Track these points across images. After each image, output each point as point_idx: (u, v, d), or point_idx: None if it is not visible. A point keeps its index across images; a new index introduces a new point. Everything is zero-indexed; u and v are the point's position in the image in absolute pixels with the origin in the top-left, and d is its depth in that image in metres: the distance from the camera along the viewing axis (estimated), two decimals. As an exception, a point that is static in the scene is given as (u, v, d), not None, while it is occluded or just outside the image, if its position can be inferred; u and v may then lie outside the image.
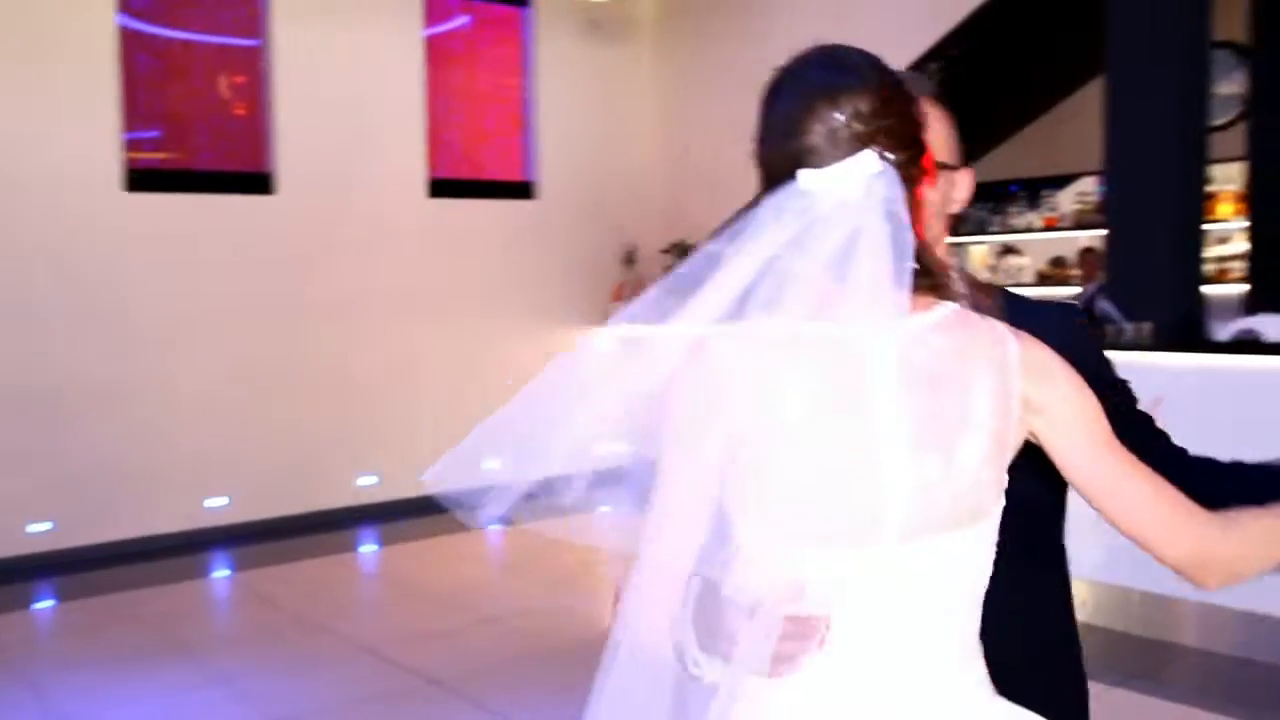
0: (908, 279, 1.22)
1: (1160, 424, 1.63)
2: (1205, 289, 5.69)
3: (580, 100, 8.64)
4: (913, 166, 1.30)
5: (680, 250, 8.54)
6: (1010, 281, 9.21)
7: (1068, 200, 9.01)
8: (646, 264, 8.77)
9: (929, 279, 1.28)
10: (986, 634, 1.35)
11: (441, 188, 7.98)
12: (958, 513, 1.26)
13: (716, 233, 1.30)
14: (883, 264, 1.21)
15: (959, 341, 1.28)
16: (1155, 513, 1.29)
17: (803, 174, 1.27)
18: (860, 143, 1.26)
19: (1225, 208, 7.90)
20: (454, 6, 8.17)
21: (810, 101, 1.29)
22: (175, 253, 6.86)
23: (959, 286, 1.31)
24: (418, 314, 7.79)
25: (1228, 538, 1.30)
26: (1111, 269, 5.23)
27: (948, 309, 1.30)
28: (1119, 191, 4.94)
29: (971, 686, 1.32)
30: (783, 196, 1.27)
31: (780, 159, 1.30)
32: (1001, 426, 1.27)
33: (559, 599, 5.55)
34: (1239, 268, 7.07)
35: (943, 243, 1.60)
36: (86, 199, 6.56)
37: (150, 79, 6.99)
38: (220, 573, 6.46)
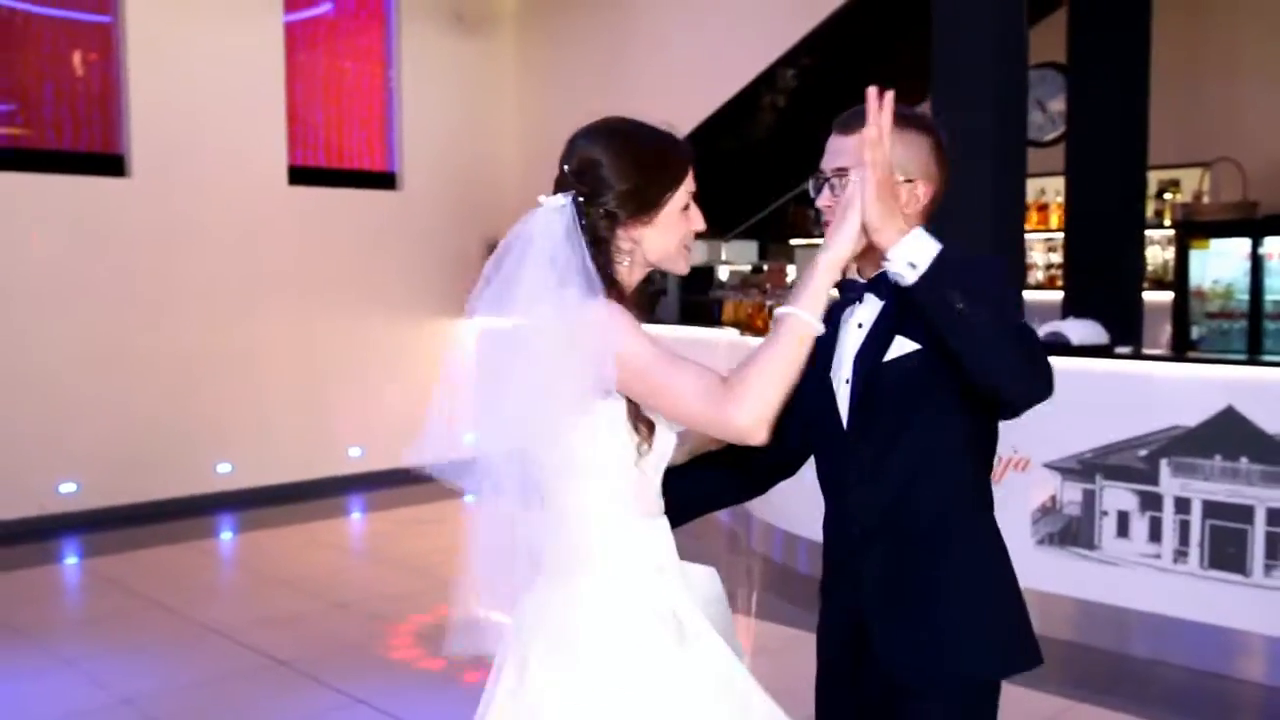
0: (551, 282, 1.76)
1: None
2: (1027, 294, 6.11)
3: (443, 92, 8.72)
4: (598, 212, 1.81)
5: (541, 243, 8.71)
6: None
7: (912, 205, 9.45)
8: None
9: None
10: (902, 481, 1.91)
11: (301, 175, 7.99)
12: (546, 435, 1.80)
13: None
14: (530, 271, 1.77)
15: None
16: (689, 397, 1.72)
17: (541, 196, 1.85)
18: (565, 187, 1.83)
19: (1057, 218, 8.42)
20: (317, -6, 8.17)
21: (565, 147, 1.87)
22: (21, 233, 6.74)
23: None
24: (277, 302, 7.79)
25: (736, 382, 1.69)
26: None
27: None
28: (943, 203, 5.28)
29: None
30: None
31: None
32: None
33: (409, 586, 5.68)
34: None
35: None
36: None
37: (-4, 54, 6.84)
38: (70, 559, 6.40)
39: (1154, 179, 7.67)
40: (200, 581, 5.97)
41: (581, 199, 1.81)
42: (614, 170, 1.81)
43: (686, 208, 1.87)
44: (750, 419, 1.67)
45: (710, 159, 8.41)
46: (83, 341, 6.94)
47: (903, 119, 1.91)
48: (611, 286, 1.80)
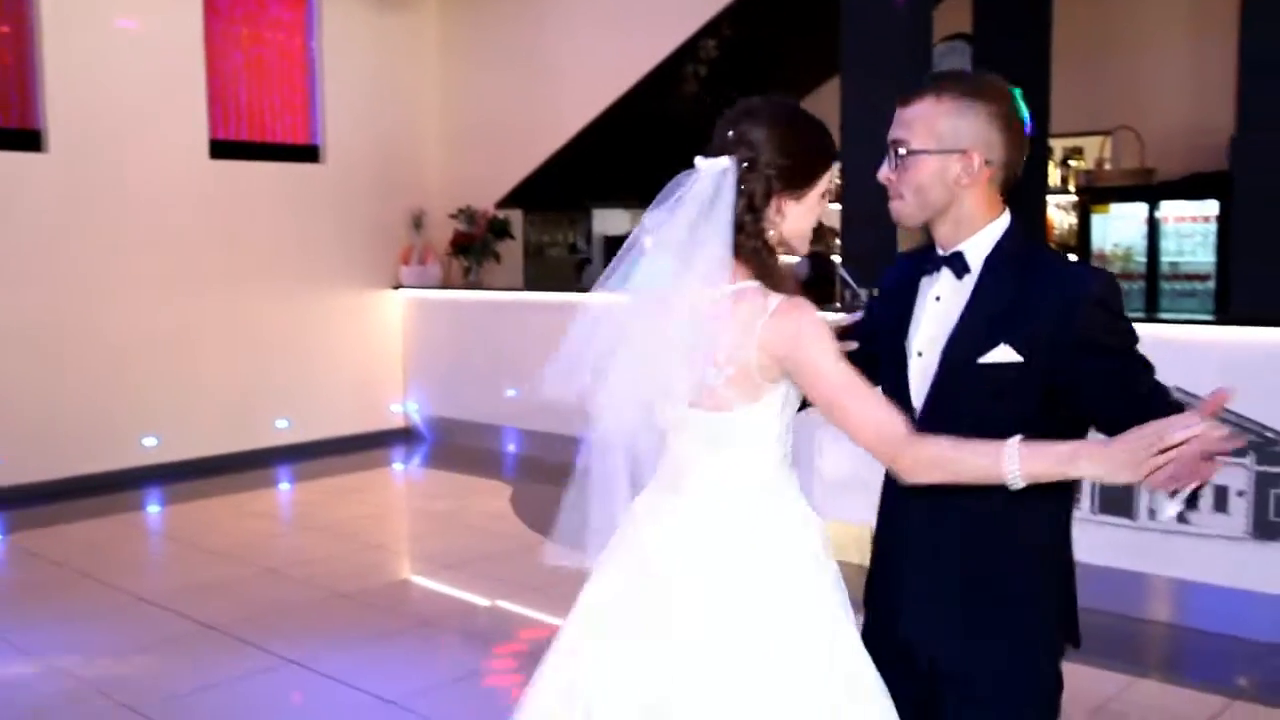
0: (716, 254, 1.90)
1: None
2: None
3: (365, 66, 8.73)
4: (758, 179, 1.92)
5: (468, 215, 8.79)
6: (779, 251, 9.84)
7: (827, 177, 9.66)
8: (434, 228, 8.98)
9: (754, 260, 1.93)
10: (974, 536, 1.95)
11: (224, 149, 7.97)
12: (713, 402, 1.92)
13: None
14: (702, 243, 1.90)
15: (732, 307, 1.90)
16: (865, 430, 1.86)
17: (698, 158, 1.95)
18: (727, 151, 1.93)
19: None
20: (235, -34, 8.12)
21: (726, 117, 1.97)
22: (-62, 210, 6.68)
23: (771, 270, 1.93)
24: (200, 277, 7.78)
25: (926, 448, 1.83)
26: (846, 241, 5.79)
27: (744, 285, 1.92)
28: (850, 172, 5.47)
29: (746, 496, 1.98)
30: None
31: None
32: (742, 363, 1.89)
33: (337, 551, 5.79)
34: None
35: (927, 216, 2.00)
36: None
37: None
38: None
39: (1059, 147, 7.94)
40: (127, 552, 6.01)
41: (745, 164, 1.92)
42: (779, 143, 1.92)
43: (824, 195, 1.99)
44: (912, 471, 1.83)
45: (633, 130, 8.54)
46: (1, 318, 6.90)
47: (956, 83, 1.95)
48: (771, 254, 1.95)
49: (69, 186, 7.18)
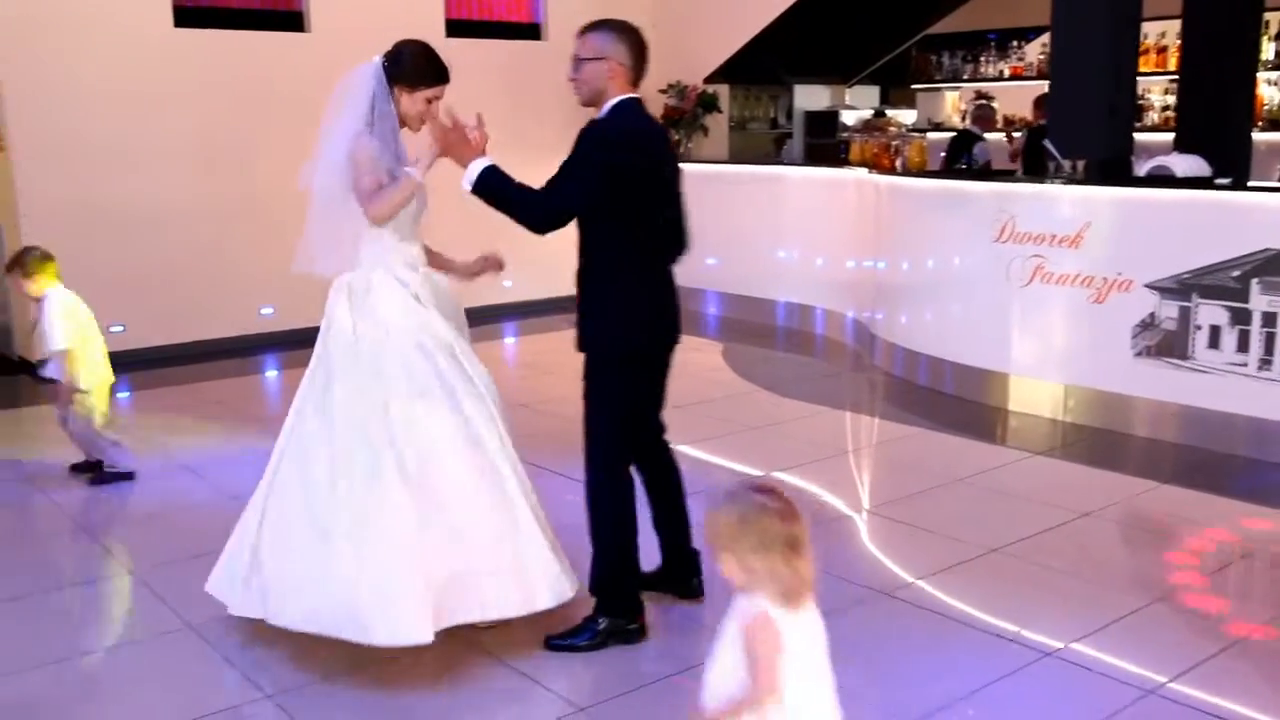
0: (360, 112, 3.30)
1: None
2: (1141, 136, 6.50)
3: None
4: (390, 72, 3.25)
5: (678, 90, 9.26)
6: (983, 127, 9.97)
7: (1034, 51, 9.73)
8: (645, 102, 9.46)
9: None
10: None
11: (457, 28, 8.63)
12: None
13: None
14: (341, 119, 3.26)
15: None
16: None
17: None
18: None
19: (1175, 61, 8.65)
20: None
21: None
22: (218, 86, 7.57)
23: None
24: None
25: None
26: (1053, 114, 6.06)
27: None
28: (1061, 45, 5.71)
29: None
30: None
31: None
32: None
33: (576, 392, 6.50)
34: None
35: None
36: (138, 36, 7.25)
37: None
38: (271, 371, 7.38)
39: (1275, 21, 7.88)
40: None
41: (386, 63, 3.36)
42: (397, 54, 3.37)
43: (430, 100, 3.34)
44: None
45: (835, 9, 8.76)
46: (266, 186, 7.80)
47: (600, 25, 3.22)
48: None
49: (327, 66, 7.94)
